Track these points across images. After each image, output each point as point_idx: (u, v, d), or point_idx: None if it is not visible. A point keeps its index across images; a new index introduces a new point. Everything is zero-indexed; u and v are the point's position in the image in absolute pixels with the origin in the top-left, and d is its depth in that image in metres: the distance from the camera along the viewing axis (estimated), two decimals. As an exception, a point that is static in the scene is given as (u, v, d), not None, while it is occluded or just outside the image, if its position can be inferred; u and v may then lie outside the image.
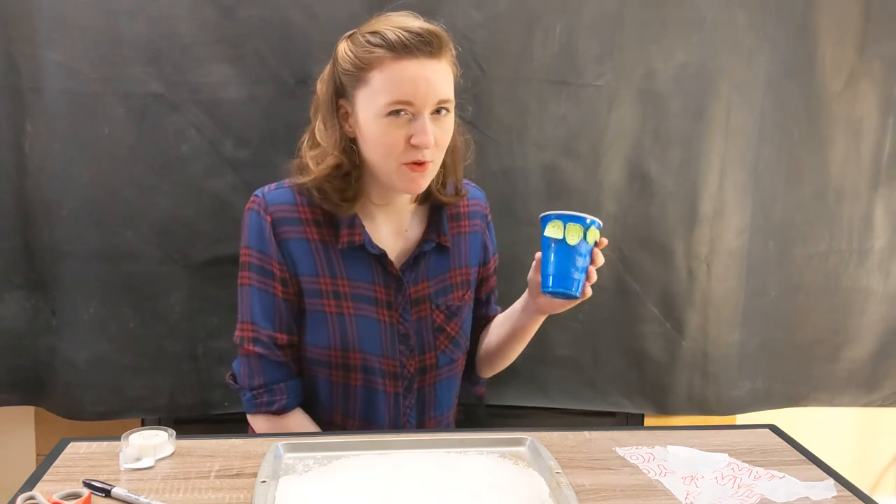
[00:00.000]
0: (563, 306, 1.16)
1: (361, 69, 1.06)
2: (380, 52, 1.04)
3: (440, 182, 1.19)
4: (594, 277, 1.09)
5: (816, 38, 1.60)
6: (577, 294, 1.08)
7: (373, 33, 1.06)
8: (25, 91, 1.43)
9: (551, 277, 1.07)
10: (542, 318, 1.22)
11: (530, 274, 1.17)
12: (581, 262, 1.07)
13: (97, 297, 1.48)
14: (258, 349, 1.14)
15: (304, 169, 1.13)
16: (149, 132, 1.45)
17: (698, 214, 1.60)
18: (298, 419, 1.17)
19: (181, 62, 1.44)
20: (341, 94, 1.11)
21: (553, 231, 1.06)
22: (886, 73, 1.63)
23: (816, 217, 1.67)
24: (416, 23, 1.06)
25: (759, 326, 1.68)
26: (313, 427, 1.17)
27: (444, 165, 1.16)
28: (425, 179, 1.10)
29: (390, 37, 1.04)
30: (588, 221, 1.06)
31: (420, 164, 1.07)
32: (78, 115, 1.43)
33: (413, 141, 1.05)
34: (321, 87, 1.14)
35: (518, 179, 1.56)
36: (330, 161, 1.10)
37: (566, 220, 1.05)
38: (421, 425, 1.22)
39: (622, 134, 1.57)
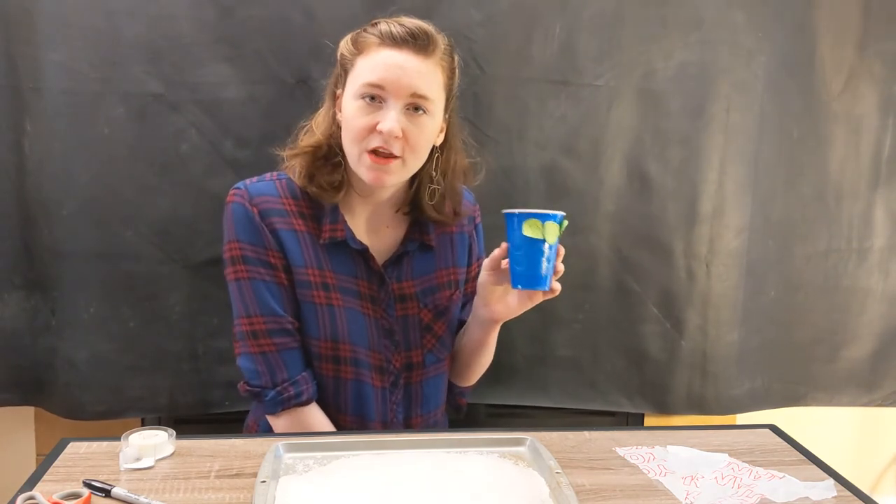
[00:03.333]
0: (519, 310, 1.13)
1: (354, 55, 1.10)
2: (370, 38, 1.08)
3: (434, 198, 1.17)
4: (561, 270, 1.06)
5: (816, 37, 1.60)
6: (548, 287, 1.05)
7: (372, 25, 1.10)
8: (25, 91, 1.43)
9: (524, 277, 1.04)
10: (497, 327, 1.20)
11: (482, 277, 1.13)
12: (554, 257, 1.04)
13: (97, 297, 1.48)
14: (276, 339, 1.12)
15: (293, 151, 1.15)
16: (149, 132, 1.45)
17: (698, 214, 1.60)
18: (319, 415, 1.15)
19: (181, 62, 1.44)
20: (339, 81, 1.13)
21: (532, 230, 1.03)
22: (886, 72, 1.63)
23: (816, 216, 1.67)
24: (413, 21, 1.08)
25: (758, 326, 1.68)
26: (329, 425, 1.16)
27: (442, 183, 1.16)
28: (390, 176, 1.08)
29: (382, 27, 1.08)
30: (559, 217, 1.04)
31: (384, 155, 1.06)
32: (78, 115, 1.43)
33: (378, 126, 1.05)
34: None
35: (518, 178, 1.56)
36: (309, 140, 1.13)
37: (544, 218, 1.02)
38: (408, 422, 1.21)
39: (622, 133, 1.57)
